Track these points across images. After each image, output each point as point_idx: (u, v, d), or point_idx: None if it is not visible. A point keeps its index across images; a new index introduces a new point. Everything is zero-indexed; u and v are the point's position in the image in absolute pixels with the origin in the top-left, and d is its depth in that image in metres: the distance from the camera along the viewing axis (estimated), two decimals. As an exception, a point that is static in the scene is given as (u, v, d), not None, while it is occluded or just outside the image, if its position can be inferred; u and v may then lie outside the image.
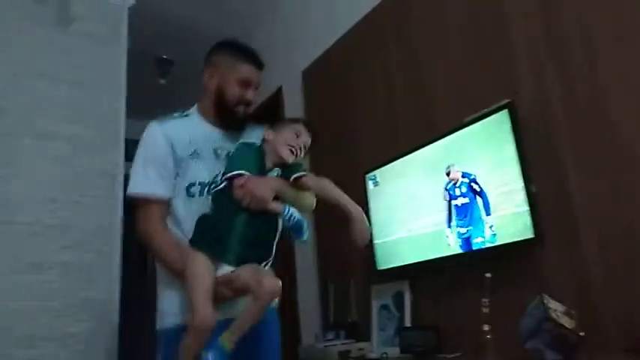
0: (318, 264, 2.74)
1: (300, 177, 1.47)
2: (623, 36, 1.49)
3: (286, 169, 1.49)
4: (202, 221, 1.42)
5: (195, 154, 1.52)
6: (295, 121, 1.59)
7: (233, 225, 1.38)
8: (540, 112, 1.69)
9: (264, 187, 1.42)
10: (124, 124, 2.72)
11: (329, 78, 2.78)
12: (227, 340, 1.26)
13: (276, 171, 1.49)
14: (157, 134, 1.52)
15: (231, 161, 1.48)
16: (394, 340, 2.09)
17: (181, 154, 1.51)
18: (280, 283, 1.33)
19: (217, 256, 1.36)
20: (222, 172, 1.49)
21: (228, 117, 1.57)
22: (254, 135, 1.60)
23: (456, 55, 2.02)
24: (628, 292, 1.42)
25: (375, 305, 2.26)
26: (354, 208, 1.46)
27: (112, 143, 2.62)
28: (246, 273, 1.34)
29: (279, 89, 3.29)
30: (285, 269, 2.99)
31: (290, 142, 1.51)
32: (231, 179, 1.42)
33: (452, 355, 1.75)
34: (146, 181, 1.48)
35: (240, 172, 1.41)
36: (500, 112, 1.72)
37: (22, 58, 2.52)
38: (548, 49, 1.68)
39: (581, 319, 1.41)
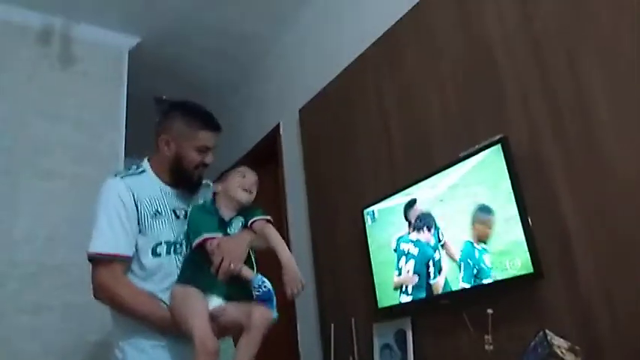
0: (318, 302, 2.71)
1: (253, 222, 1.53)
2: (616, 77, 1.52)
3: (247, 216, 1.55)
4: (189, 262, 1.48)
5: (157, 214, 1.53)
6: (236, 166, 1.66)
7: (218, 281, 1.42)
8: (533, 147, 1.71)
9: (238, 244, 1.46)
10: (124, 162, 2.75)
11: (326, 115, 2.82)
12: None
13: (239, 219, 1.55)
14: (122, 189, 1.51)
15: (193, 226, 1.52)
16: (397, 379, 2.04)
17: (144, 212, 1.52)
18: (267, 311, 1.37)
19: (206, 289, 1.39)
20: (184, 232, 1.54)
21: (185, 181, 1.62)
22: (208, 194, 1.66)
23: (449, 92, 2.06)
24: (632, 325, 1.40)
25: (377, 344, 2.22)
26: (287, 258, 1.44)
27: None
28: (234, 308, 1.38)
29: (277, 126, 3.33)
30: (285, 311, 2.96)
31: (241, 184, 1.58)
32: (201, 244, 1.45)
33: (456, 395, 1.71)
34: (113, 240, 1.46)
35: (210, 235, 1.46)
36: (494, 147, 1.74)
37: (29, 98, 2.58)
38: (536, 80, 1.72)
39: (586, 356, 1.39)
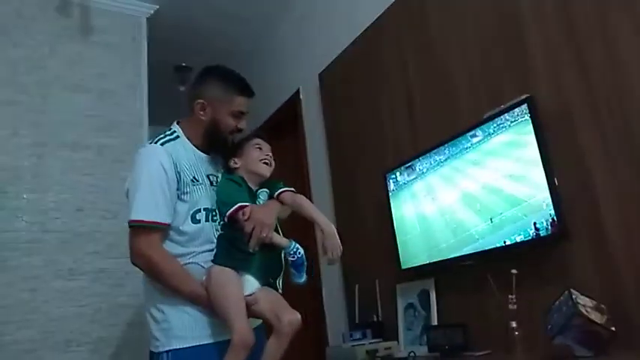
0: (343, 264, 2.75)
1: (280, 193, 1.55)
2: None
3: (271, 188, 1.57)
4: (223, 241, 1.50)
5: (194, 180, 1.54)
6: (248, 138, 1.64)
7: (251, 256, 1.46)
8: (560, 105, 1.67)
9: (267, 213, 1.49)
10: (147, 131, 2.78)
11: (346, 79, 2.78)
12: None
13: (265, 191, 1.57)
14: (163, 156, 1.49)
15: (224, 196, 1.52)
16: (421, 338, 2.08)
17: (185, 179, 1.51)
18: (299, 315, 1.42)
19: (242, 268, 1.44)
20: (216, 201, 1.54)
21: (220, 146, 1.61)
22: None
23: (473, 51, 2.00)
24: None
25: (400, 304, 2.26)
26: (327, 225, 1.51)
27: (135, 151, 2.69)
28: (265, 304, 1.43)
29: (297, 92, 3.31)
30: (309, 270, 3.01)
31: (259, 157, 1.59)
32: (233, 215, 1.46)
33: (480, 353, 1.74)
34: (155, 208, 1.46)
35: (242, 204, 1.47)
36: (520, 107, 1.70)
37: (52, 70, 2.61)
38: (564, 38, 1.66)
39: (611, 314, 1.39)
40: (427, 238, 2.08)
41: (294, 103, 3.34)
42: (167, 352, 1.44)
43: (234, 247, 1.46)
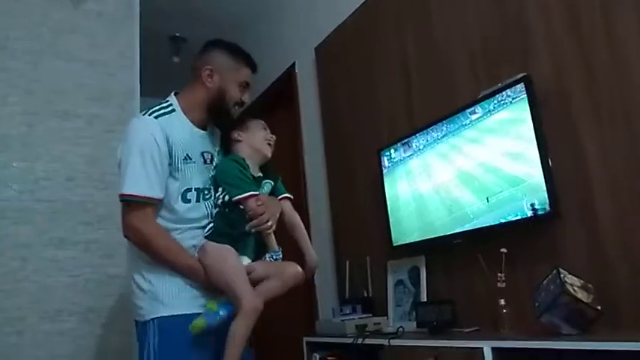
0: (334, 240, 2.76)
1: (282, 198, 1.62)
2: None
3: (274, 182, 1.61)
4: (223, 219, 1.50)
5: (188, 158, 1.51)
6: (252, 117, 1.67)
7: (250, 235, 1.49)
8: (558, 85, 1.65)
9: (277, 209, 1.54)
10: (139, 102, 2.74)
11: (343, 53, 2.75)
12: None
13: (269, 183, 1.59)
14: (156, 130, 1.46)
15: (231, 179, 1.50)
16: (410, 314, 2.11)
17: (177, 156, 1.48)
18: (301, 269, 1.51)
19: (240, 249, 1.47)
20: (211, 178, 1.55)
21: (223, 117, 1.59)
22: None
23: (472, 29, 1.98)
24: (646, 266, 1.40)
25: (391, 280, 2.28)
26: (312, 259, 1.60)
27: (129, 121, 2.65)
28: (262, 267, 1.48)
29: (292, 66, 3.27)
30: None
31: (265, 137, 1.61)
32: (243, 200, 1.47)
33: (468, 330, 1.76)
34: (147, 182, 1.43)
35: (254, 192, 1.48)
36: (517, 86, 1.69)
37: (43, 38, 2.55)
38: (564, 20, 1.64)
39: (598, 294, 1.40)
40: (421, 215, 2.09)
41: (289, 77, 3.30)
42: (153, 320, 1.43)
43: (234, 227, 1.48)
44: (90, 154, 2.51)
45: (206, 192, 1.54)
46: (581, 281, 1.42)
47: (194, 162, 1.52)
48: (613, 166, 1.50)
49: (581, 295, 1.37)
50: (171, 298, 1.44)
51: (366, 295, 2.41)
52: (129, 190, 1.43)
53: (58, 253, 2.33)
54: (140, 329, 1.48)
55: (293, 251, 1.59)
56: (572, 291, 1.36)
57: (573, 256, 1.58)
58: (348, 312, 2.27)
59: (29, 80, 2.48)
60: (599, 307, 1.36)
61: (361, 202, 2.55)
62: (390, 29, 2.40)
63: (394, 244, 2.21)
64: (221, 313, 1.39)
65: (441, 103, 2.08)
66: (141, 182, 1.43)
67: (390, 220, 2.23)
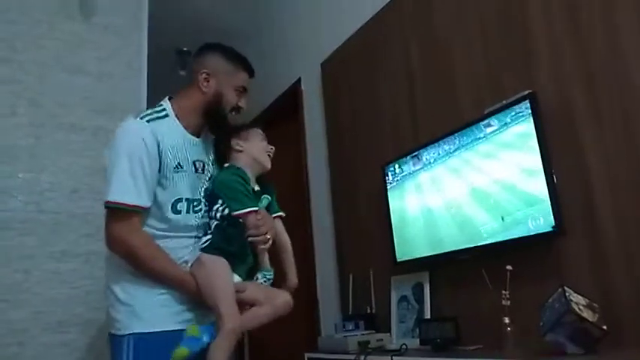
0: (337, 255, 2.75)
1: (276, 216, 1.58)
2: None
3: (271, 197, 1.57)
4: (222, 233, 1.45)
5: (179, 167, 1.44)
6: (252, 126, 1.63)
7: (247, 252, 1.47)
8: (561, 100, 1.66)
9: (273, 224, 1.52)
10: (146, 115, 2.76)
11: (348, 69, 2.76)
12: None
13: (266, 198, 1.56)
14: (147, 134, 1.38)
15: (232, 193, 1.46)
16: (413, 331, 2.09)
17: (167, 164, 1.41)
18: (289, 296, 1.48)
19: (235, 264, 1.43)
20: (203, 189, 1.49)
21: (219, 122, 1.53)
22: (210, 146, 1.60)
23: (477, 46, 1.99)
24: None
25: (394, 296, 2.26)
26: (291, 280, 1.57)
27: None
28: (255, 289, 1.44)
29: (298, 81, 3.29)
30: (305, 260, 3.01)
31: (266, 148, 1.58)
32: (243, 215, 1.44)
33: (471, 347, 1.74)
34: (135, 190, 1.35)
35: (256, 208, 1.46)
36: (522, 103, 1.69)
37: (49, 50, 2.58)
38: (568, 36, 1.64)
39: (603, 313, 1.39)
40: (428, 231, 2.07)
41: (295, 91, 3.32)
42: (130, 335, 1.35)
43: (231, 244, 1.44)
44: (93, 166, 2.52)
45: (196, 203, 1.47)
46: (587, 300, 1.41)
47: (185, 171, 1.45)
48: (617, 182, 1.50)
49: (587, 314, 1.35)
50: (151, 312, 1.37)
51: (369, 311, 2.39)
52: (115, 197, 1.35)
53: (60, 265, 2.33)
54: (115, 343, 1.39)
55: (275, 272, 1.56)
56: (577, 310, 1.35)
57: (579, 275, 1.57)
58: (350, 328, 2.25)
59: (35, 92, 2.50)
60: (604, 327, 1.35)
61: (365, 216, 2.54)
62: (395, 45, 2.42)
63: (398, 260, 2.19)
64: (204, 339, 1.33)
65: (446, 118, 2.08)
66: (127, 189, 1.35)
67: (395, 235, 2.22)
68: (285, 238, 1.60)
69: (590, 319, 1.34)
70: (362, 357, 1.92)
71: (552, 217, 1.57)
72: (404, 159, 2.20)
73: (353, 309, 2.51)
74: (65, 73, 2.60)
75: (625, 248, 1.47)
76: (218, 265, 1.40)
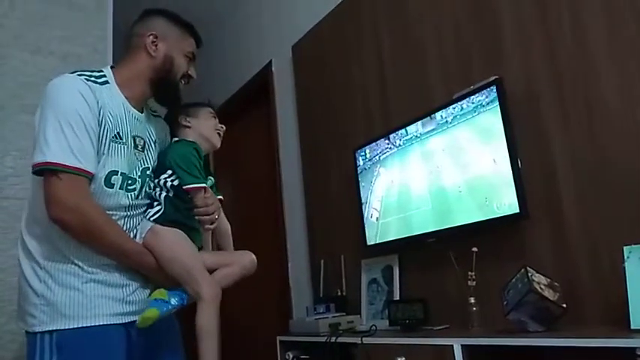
0: (309, 239, 2.77)
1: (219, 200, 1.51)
2: (616, 20, 1.49)
3: (213, 179, 1.52)
4: (175, 204, 1.40)
5: (118, 137, 1.28)
6: (202, 104, 1.55)
7: (199, 228, 1.44)
8: (528, 87, 1.70)
9: (218, 204, 1.46)
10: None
11: (319, 52, 2.75)
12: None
13: (210, 180, 1.49)
14: (86, 90, 1.22)
15: (188, 166, 1.38)
16: (383, 313, 2.13)
17: (107, 130, 1.25)
18: (253, 255, 1.47)
19: (191, 236, 1.40)
20: (140, 169, 1.35)
21: (169, 90, 1.40)
22: (160, 125, 1.50)
23: (447, 32, 2.01)
24: (612, 269, 1.45)
25: (364, 279, 2.30)
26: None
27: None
28: (214, 255, 1.45)
29: (269, 63, 3.26)
30: (277, 245, 3.02)
31: (215, 126, 1.53)
32: (192, 190, 1.38)
33: (438, 327, 1.79)
34: (81, 152, 1.18)
35: (205, 185, 1.40)
36: (489, 89, 1.72)
37: (11, 30, 2.48)
38: (536, 23, 1.68)
39: (564, 292, 1.45)
40: (398, 215, 2.10)
41: (266, 75, 3.29)
42: (50, 332, 1.18)
43: (186, 216, 1.39)
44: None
45: (130, 182, 1.31)
46: (548, 280, 1.46)
47: (124, 143, 1.29)
48: (579, 167, 1.55)
49: (548, 293, 1.41)
50: (74, 307, 1.19)
51: (340, 293, 2.42)
52: (55, 157, 1.15)
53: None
54: (30, 342, 1.21)
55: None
56: (539, 289, 1.40)
57: (540, 256, 1.63)
58: (321, 311, 2.27)
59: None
60: (564, 305, 1.40)
61: (336, 201, 2.56)
62: (367, 28, 2.42)
63: (368, 243, 2.22)
64: (172, 302, 1.27)
65: (416, 103, 2.10)
66: (69, 148, 1.16)
67: (365, 219, 2.24)
68: (226, 225, 1.56)
69: (551, 298, 1.39)
70: (333, 339, 1.95)
71: (517, 201, 1.61)
72: (375, 143, 2.21)
73: (324, 292, 2.54)
74: (26, 52, 2.51)
75: (585, 231, 1.53)
76: (179, 235, 1.35)
